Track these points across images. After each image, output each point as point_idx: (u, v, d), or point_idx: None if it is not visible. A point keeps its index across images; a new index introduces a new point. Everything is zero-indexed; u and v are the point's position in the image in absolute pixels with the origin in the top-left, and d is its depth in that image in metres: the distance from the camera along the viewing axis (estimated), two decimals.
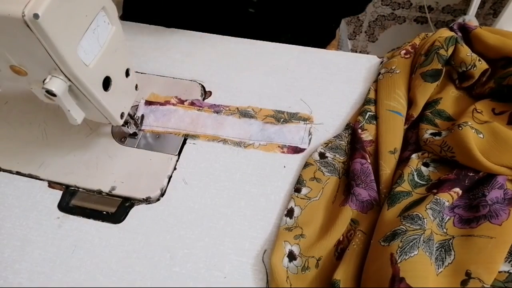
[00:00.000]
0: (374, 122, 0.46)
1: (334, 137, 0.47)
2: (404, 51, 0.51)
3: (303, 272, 0.37)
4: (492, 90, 0.45)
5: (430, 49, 0.47)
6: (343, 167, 0.45)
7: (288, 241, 0.39)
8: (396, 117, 0.45)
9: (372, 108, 0.48)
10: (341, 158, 0.45)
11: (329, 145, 0.46)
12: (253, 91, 0.53)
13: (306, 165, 0.45)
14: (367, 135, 0.45)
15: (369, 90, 0.50)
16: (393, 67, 0.49)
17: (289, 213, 0.42)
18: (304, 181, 0.44)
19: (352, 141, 0.46)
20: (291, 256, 0.38)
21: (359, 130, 0.46)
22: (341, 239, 0.39)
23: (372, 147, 0.45)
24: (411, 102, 0.47)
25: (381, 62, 0.54)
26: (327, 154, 0.45)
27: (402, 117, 0.46)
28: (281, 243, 0.39)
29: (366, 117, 0.47)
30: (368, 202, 0.41)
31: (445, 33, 0.48)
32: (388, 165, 0.42)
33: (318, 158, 0.45)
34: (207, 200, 0.44)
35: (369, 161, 0.43)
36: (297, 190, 0.43)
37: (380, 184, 0.41)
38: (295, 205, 0.42)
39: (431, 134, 0.43)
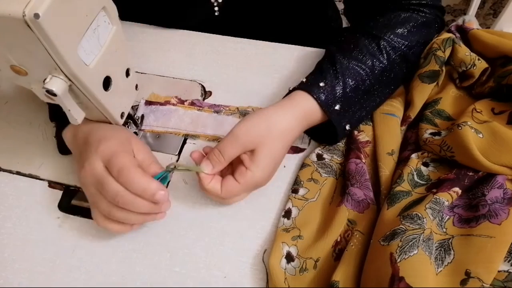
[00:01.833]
0: (370, 123, 0.47)
1: None
2: None
3: (301, 274, 0.37)
4: (491, 89, 0.45)
5: (428, 51, 0.47)
6: (340, 168, 0.45)
7: (285, 243, 0.39)
8: (391, 119, 0.45)
9: None
10: (338, 159, 0.45)
11: (327, 146, 0.46)
12: (253, 91, 0.53)
13: (303, 165, 0.45)
14: (363, 136, 0.45)
15: None
16: None
17: (287, 214, 0.42)
18: (302, 182, 0.44)
19: (348, 142, 0.46)
20: (289, 258, 0.38)
21: (355, 132, 0.46)
22: (338, 239, 0.39)
23: (369, 147, 0.45)
24: (408, 103, 0.47)
25: None
26: (325, 155, 0.46)
27: (397, 118, 0.46)
28: (278, 244, 0.39)
29: None
30: (364, 201, 0.41)
31: (442, 35, 0.48)
32: (386, 167, 0.42)
33: (315, 159, 0.45)
34: (207, 200, 0.44)
35: (363, 161, 0.43)
36: (295, 191, 0.43)
37: (381, 185, 0.41)
38: (292, 206, 0.42)
39: (431, 133, 0.43)
